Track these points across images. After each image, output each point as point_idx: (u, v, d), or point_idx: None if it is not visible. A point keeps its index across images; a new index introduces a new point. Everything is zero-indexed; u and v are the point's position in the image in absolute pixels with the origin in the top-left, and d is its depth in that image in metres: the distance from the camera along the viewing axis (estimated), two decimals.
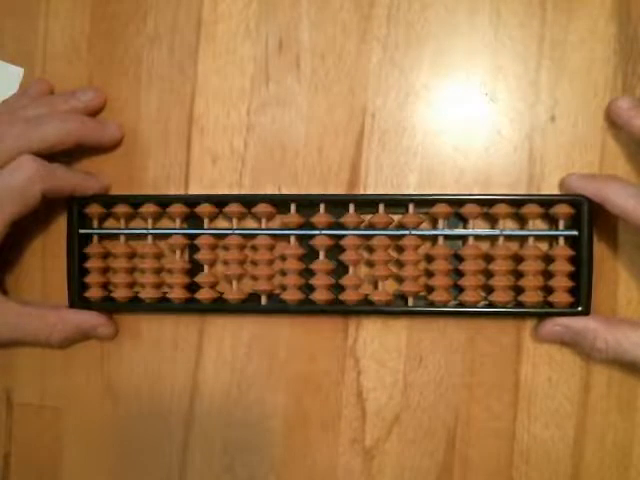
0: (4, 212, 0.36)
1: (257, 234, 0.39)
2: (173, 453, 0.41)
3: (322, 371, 0.40)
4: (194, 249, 0.40)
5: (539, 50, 0.39)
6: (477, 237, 0.38)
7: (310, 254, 0.39)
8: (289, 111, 0.40)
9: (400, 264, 0.38)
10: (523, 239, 0.38)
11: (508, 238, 0.38)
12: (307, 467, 0.40)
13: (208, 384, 0.41)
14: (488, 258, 0.38)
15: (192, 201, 0.39)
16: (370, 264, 0.39)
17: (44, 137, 0.37)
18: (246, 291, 0.39)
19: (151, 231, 0.40)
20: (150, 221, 0.40)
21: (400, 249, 0.38)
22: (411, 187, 0.39)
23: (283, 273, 0.39)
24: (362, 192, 0.40)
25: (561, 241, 0.37)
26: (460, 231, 0.38)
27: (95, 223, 0.40)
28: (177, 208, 0.39)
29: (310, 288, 0.38)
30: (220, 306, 0.39)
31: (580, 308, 0.36)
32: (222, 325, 0.41)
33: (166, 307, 0.40)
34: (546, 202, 0.37)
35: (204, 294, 0.39)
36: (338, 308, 0.38)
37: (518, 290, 0.38)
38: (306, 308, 0.38)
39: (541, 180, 0.39)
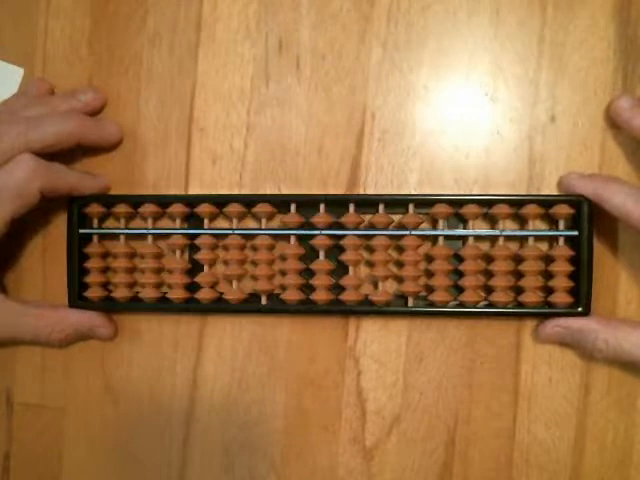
0: (3, 210, 0.36)
1: (257, 234, 0.39)
2: (173, 453, 0.41)
3: (322, 371, 0.40)
4: (194, 249, 0.40)
5: (539, 50, 0.39)
6: (477, 237, 0.38)
7: (310, 254, 0.39)
8: (289, 111, 0.40)
9: (400, 264, 0.38)
10: (523, 239, 0.38)
11: (508, 238, 0.38)
12: (307, 467, 0.40)
13: (208, 384, 0.41)
14: (488, 258, 0.38)
15: (192, 201, 0.39)
16: (370, 264, 0.39)
17: (44, 137, 0.37)
18: (246, 291, 0.39)
19: (151, 231, 0.40)
20: (150, 221, 0.40)
21: (400, 249, 0.38)
22: (411, 187, 0.39)
23: (283, 273, 0.39)
24: (362, 192, 0.40)
25: (561, 241, 0.37)
26: (460, 231, 0.38)
27: (95, 223, 0.40)
28: (177, 208, 0.39)
29: (310, 288, 0.38)
30: (220, 306, 0.39)
31: (580, 309, 0.36)
32: (222, 325, 0.41)
33: (166, 307, 0.40)
34: (546, 202, 0.37)
35: (204, 294, 0.39)
36: (338, 308, 0.38)
37: (518, 290, 0.38)
38: (306, 308, 0.38)
39: (541, 180, 0.39)
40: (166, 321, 0.41)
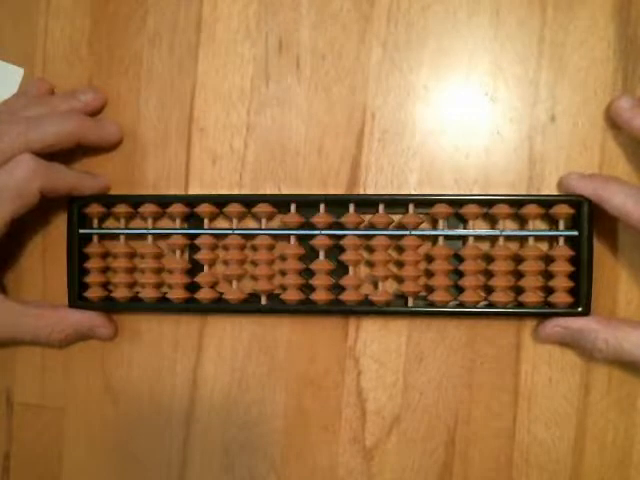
0: (3, 210, 0.36)
1: (257, 234, 0.39)
2: (173, 453, 0.41)
3: (322, 371, 0.40)
4: (194, 249, 0.40)
5: (539, 50, 0.39)
6: (477, 237, 0.38)
7: (310, 254, 0.39)
8: (289, 111, 0.40)
9: (400, 264, 0.38)
10: (523, 239, 0.38)
11: (508, 238, 0.38)
12: (307, 467, 0.40)
13: (208, 384, 0.41)
14: (488, 258, 0.38)
15: (192, 201, 0.39)
16: (370, 264, 0.39)
17: (44, 137, 0.37)
18: (246, 291, 0.39)
19: (151, 231, 0.40)
20: (150, 221, 0.40)
21: (400, 249, 0.38)
22: (411, 187, 0.40)
23: (283, 273, 0.39)
24: (362, 192, 0.40)
25: (561, 241, 0.37)
26: (460, 231, 0.38)
27: (95, 223, 0.40)
28: (177, 208, 0.39)
29: (310, 288, 0.38)
30: (220, 306, 0.39)
31: (580, 309, 0.36)
32: (222, 325, 0.41)
33: (166, 307, 0.40)
34: (546, 202, 0.37)
35: (204, 294, 0.39)
36: (338, 308, 0.38)
37: (518, 290, 0.38)
38: (306, 308, 0.38)
39: (541, 180, 0.39)
40: (166, 321, 0.41)
